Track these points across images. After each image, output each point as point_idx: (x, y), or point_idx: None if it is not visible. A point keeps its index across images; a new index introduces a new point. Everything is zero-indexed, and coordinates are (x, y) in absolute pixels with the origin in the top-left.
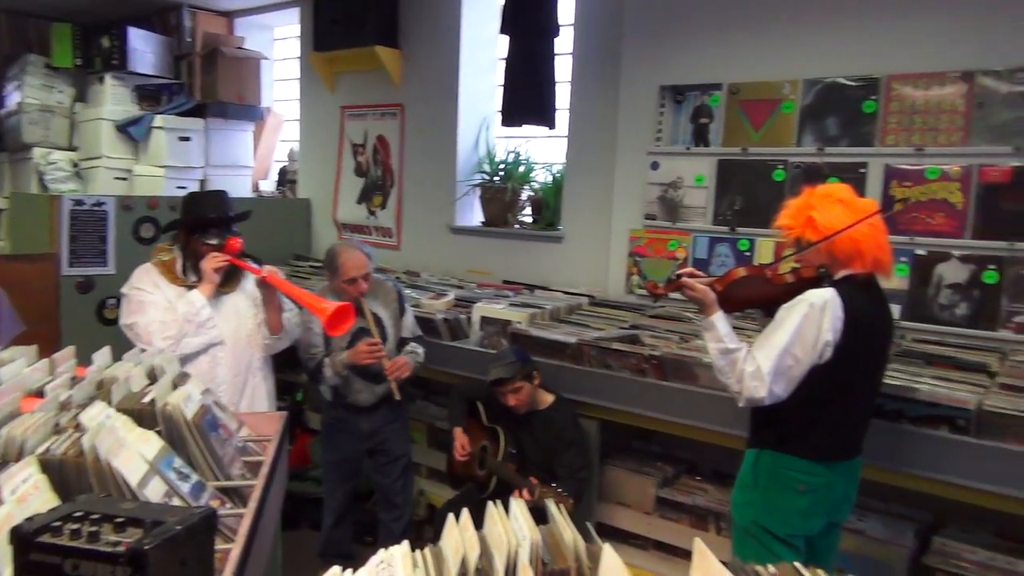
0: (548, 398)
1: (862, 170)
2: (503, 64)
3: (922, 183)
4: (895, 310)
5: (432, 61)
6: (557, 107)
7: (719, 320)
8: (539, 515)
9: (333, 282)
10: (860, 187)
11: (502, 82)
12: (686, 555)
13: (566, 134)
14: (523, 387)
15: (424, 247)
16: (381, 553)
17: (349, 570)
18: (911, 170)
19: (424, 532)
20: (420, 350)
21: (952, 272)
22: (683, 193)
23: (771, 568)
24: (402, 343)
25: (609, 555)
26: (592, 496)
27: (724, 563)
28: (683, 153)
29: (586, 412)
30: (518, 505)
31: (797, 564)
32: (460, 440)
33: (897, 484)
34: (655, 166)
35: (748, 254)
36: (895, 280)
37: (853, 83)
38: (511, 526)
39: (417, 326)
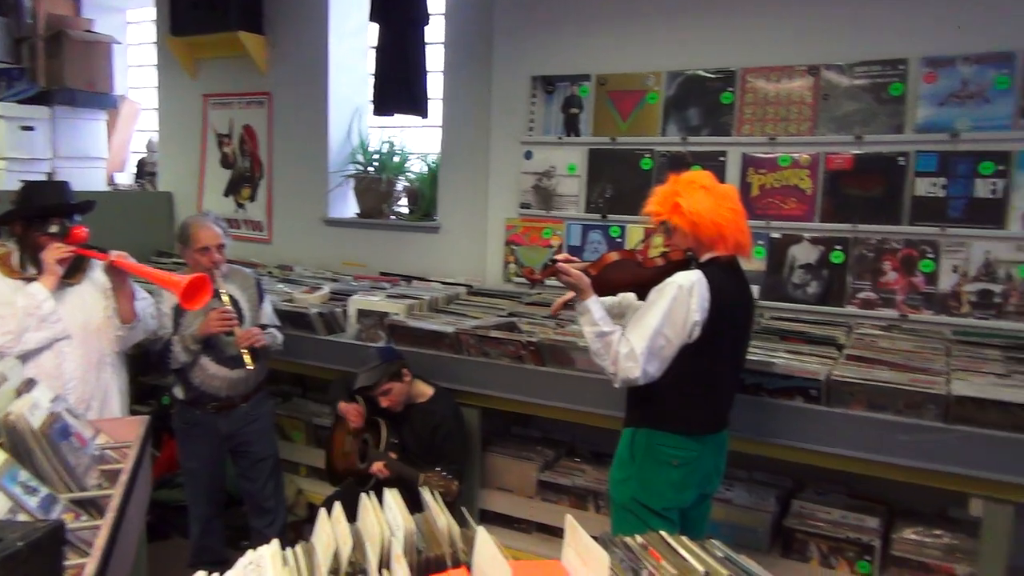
0: (427, 390)
1: (722, 158)
2: (375, 53)
3: (776, 170)
4: (755, 290)
5: (299, 48)
6: (430, 96)
7: (593, 304)
8: (416, 504)
9: (185, 254)
10: (721, 174)
11: (374, 71)
12: None
13: (440, 124)
14: (392, 388)
15: (297, 240)
16: (250, 554)
17: (217, 573)
18: (765, 158)
19: (305, 532)
20: (279, 336)
21: (804, 253)
22: (556, 182)
23: (639, 539)
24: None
25: (483, 538)
26: (475, 483)
27: (595, 538)
28: (555, 143)
29: (467, 401)
30: (392, 495)
31: (663, 533)
32: (351, 411)
33: (760, 453)
34: (529, 155)
35: (620, 240)
36: (754, 262)
37: (711, 75)
38: (385, 517)
39: (276, 317)
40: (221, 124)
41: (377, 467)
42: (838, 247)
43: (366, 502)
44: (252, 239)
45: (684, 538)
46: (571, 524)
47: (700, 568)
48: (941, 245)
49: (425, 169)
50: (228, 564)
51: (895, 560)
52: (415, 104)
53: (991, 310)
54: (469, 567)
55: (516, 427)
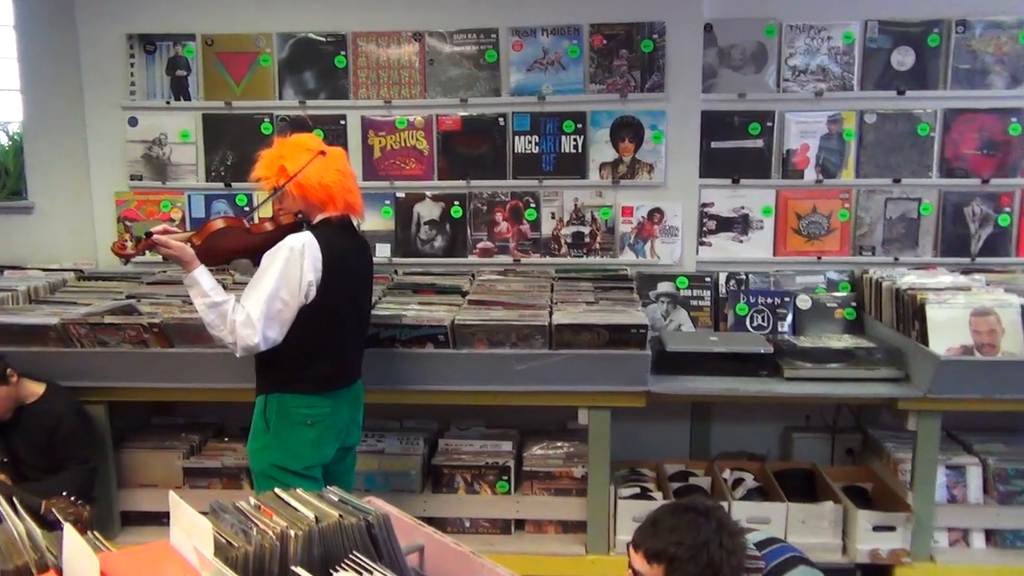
0: (37, 389)
1: (342, 122)
2: None
3: (394, 132)
4: (386, 249)
5: None
6: None
7: (201, 275)
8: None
9: None
10: (342, 138)
11: None
12: None
13: (19, 88)
14: None
15: None
16: None
17: None
18: (383, 121)
19: None
20: None
21: (427, 210)
22: (169, 150)
23: (252, 500)
24: None
25: (68, 534)
26: (111, 485)
27: (208, 510)
28: (163, 108)
29: (89, 397)
30: None
31: (278, 490)
32: None
33: (404, 402)
34: (134, 122)
35: (248, 209)
36: (384, 222)
37: (323, 39)
38: None
39: None
40: None
41: None
42: (457, 203)
43: None
44: None
45: (299, 491)
46: (174, 500)
47: (310, 514)
48: (540, 195)
49: (6, 141)
50: None
51: (527, 475)
52: None
53: (583, 249)
54: (60, 570)
55: (157, 417)
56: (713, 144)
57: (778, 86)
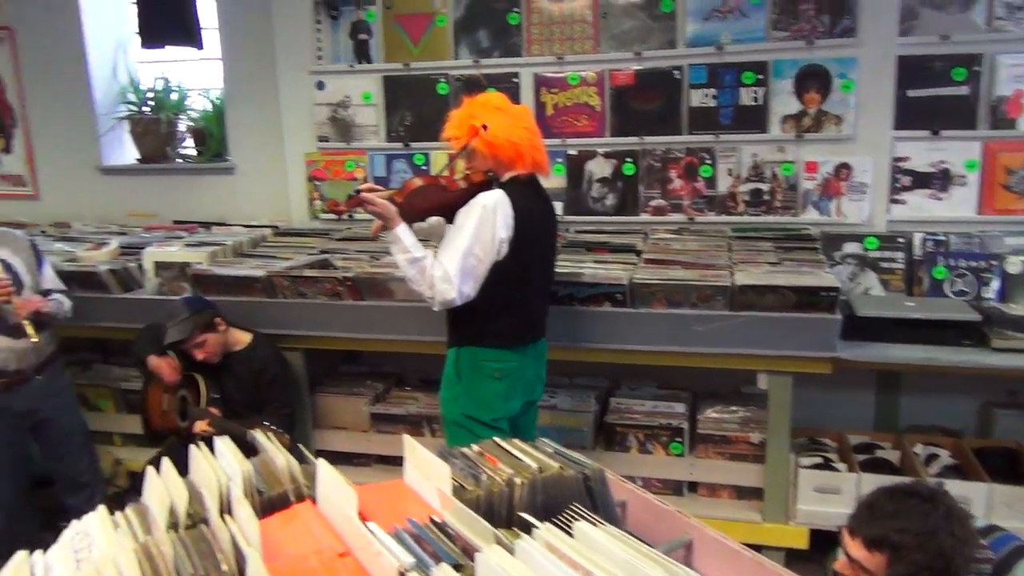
0: (244, 338)
1: (515, 79)
2: None
3: (566, 89)
4: (558, 206)
5: None
6: (203, 25)
7: (403, 232)
8: (250, 450)
9: None
10: (515, 95)
11: None
12: None
13: (220, 56)
14: (207, 339)
15: (70, 193)
16: (75, 524)
17: (40, 551)
18: (555, 77)
19: (129, 502)
20: (66, 301)
21: (599, 168)
22: (353, 112)
23: (475, 447)
24: (45, 296)
25: (324, 469)
26: (307, 425)
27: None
28: (347, 71)
29: (288, 344)
30: (224, 443)
31: (496, 439)
32: (164, 366)
33: (578, 359)
34: (321, 86)
35: (425, 168)
36: (555, 180)
37: None
38: (219, 464)
39: (59, 280)
40: None
41: (200, 427)
42: (629, 159)
43: (197, 452)
44: (14, 196)
45: (516, 440)
46: (410, 443)
47: (533, 464)
48: (716, 151)
49: (209, 106)
50: (47, 546)
51: (702, 438)
52: (187, 33)
53: (762, 207)
54: (314, 500)
55: (344, 365)
56: (909, 93)
57: (988, 25)
